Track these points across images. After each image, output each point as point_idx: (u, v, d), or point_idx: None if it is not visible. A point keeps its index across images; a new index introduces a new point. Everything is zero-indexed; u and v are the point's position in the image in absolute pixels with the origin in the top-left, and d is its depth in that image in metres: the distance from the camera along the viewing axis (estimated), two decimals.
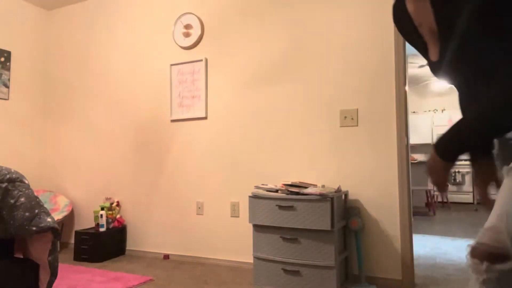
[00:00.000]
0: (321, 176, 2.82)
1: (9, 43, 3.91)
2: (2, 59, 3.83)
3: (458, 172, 7.60)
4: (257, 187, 2.59)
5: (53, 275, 1.77)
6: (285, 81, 2.99)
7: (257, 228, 2.51)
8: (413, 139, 8.25)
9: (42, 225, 1.68)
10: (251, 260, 2.97)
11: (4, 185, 1.63)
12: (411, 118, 8.28)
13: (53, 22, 4.27)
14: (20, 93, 4.02)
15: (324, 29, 2.86)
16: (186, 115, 3.36)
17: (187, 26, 3.39)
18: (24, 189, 1.71)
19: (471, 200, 7.48)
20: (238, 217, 3.11)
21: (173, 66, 3.45)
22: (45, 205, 3.79)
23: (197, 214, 3.29)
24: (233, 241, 3.12)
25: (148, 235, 3.51)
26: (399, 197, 2.57)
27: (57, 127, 4.14)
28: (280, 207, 2.40)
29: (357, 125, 2.72)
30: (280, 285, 2.41)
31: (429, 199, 6.12)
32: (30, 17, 4.13)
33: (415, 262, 3.13)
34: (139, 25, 3.69)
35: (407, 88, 2.69)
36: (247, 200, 3.06)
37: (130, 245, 3.59)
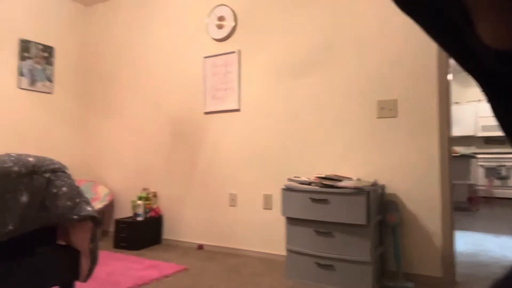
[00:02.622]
0: (356, 169, 2.74)
1: (52, 39, 4.09)
2: (46, 54, 4.01)
3: (504, 166, 7.18)
4: (290, 180, 2.56)
5: (93, 262, 1.84)
6: (319, 71, 2.92)
7: (290, 221, 2.49)
8: (455, 131, 7.87)
9: (83, 213, 1.74)
10: (283, 253, 2.96)
11: (47, 175, 1.71)
12: (454, 108, 7.89)
13: (91, 18, 4.41)
14: (63, 88, 4.20)
15: (359, 17, 2.76)
16: (219, 107, 3.37)
17: (221, 18, 3.38)
18: (66, 179, 1.78)
19: None
20: (271, 209, 3.10)
21: (206, 59, 3.46)
22: (86, 195, 3.96)
23: (230, 205, 3.31)
24: (265, 233, 3.12)
25: (183, 225, 3.58)
26: (440, 192, 2.46)
27: (98, 120, 4.29)
28: (314, 200, 2.36)
29: (396, 116, 2.61)
30: (313, 279, 2.38)
31: (472, 194, 5.83)
32: (70, 13, 4.29)
33: (457, 259, 2.99)
34: (174, 18, 3.73)
35: (450, 77, 2.55)
36: (280, 192, 3.04)
37: (165, 235, 3.69)
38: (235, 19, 3.32)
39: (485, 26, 0.32)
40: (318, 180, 2.45)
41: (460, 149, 8.01)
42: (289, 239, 2.49)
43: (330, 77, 2.87)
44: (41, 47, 3.96)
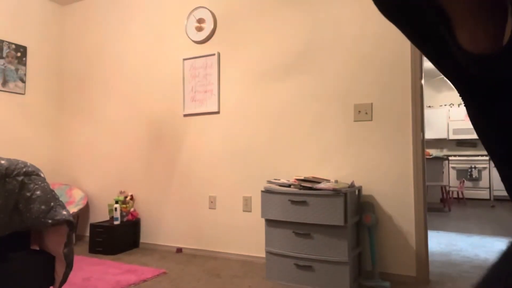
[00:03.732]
0: (334, 171, 2.79)
1: (25, 38, 3.97)
2: (19, 54, 3.89)
3: (475, 167, 7.46)
4: (269, 182, 2.58)
5: (69, 266, 1.79)
6: (298, 75, 2.96)
7: (270, 223, 2.50)
8: (428, 134, 8.12)
9: (58, 218, 1.70)
10: (263, 255, 2.98)
11: (20, 178, 1.66)
12: (426, 112, 8.14)
13: (67, 17, 4.31)
14: (36, 88, 4.08)
15: (338, 22, 2.82)
16: (199, 110, 3.37)
17: (200, 20, 3.38)
18: (40, 183, 1.73)
19: (487, 197, 7.34)
20: (251, 211, 3.10)
21: (186, 61, 3.45)
22: (61, 198, 3.86)
23: (209, 208, 3.30)
24: (245, 235, 3.13)
25: (161, 228, 3.54)
26: (414, 193, 2.53)
27: (73, 121, 4.19)
28: (293, 202, 2.38)
29: (371, 120, 2.68)
30: (292, 280, 2.41)
31: (445, 195, 6.02)
32: (45, 12, 4.18)
33: (430, 258, 3.09)
34: (152, 19, 3.70)
35: (423, 81, 2.63)
36: (259, 194, 3.06)
37: (143, 238, 3.63)
38: (215, 22, 3.33)
39: (464, 31, 0.33)
40: (297, 182, 2.48)
41: (433, 152, 8.27)
42: (269, 241, 2.51)
43: (309, 80, 2.91)
44: (13, 46, 3.84)
